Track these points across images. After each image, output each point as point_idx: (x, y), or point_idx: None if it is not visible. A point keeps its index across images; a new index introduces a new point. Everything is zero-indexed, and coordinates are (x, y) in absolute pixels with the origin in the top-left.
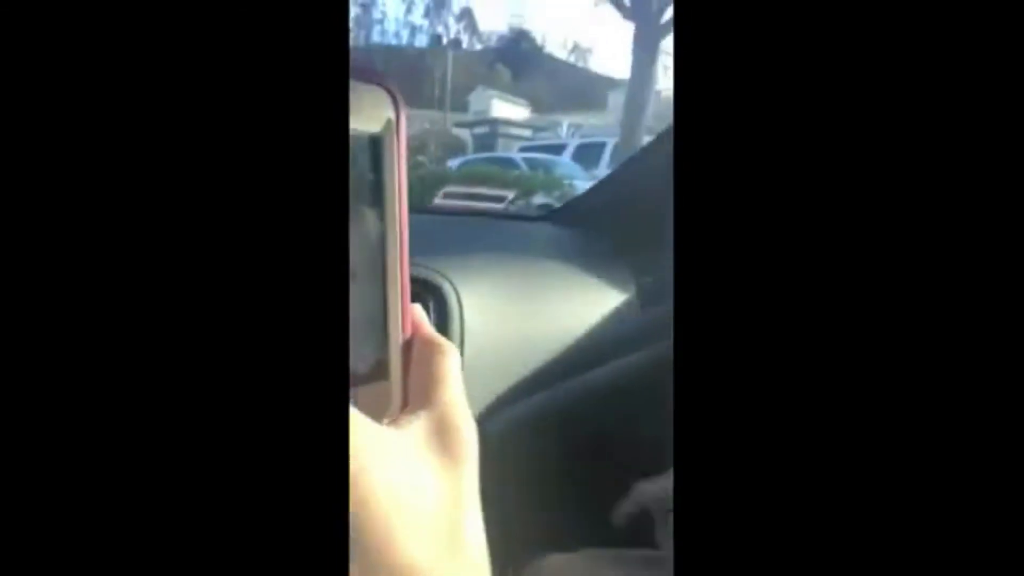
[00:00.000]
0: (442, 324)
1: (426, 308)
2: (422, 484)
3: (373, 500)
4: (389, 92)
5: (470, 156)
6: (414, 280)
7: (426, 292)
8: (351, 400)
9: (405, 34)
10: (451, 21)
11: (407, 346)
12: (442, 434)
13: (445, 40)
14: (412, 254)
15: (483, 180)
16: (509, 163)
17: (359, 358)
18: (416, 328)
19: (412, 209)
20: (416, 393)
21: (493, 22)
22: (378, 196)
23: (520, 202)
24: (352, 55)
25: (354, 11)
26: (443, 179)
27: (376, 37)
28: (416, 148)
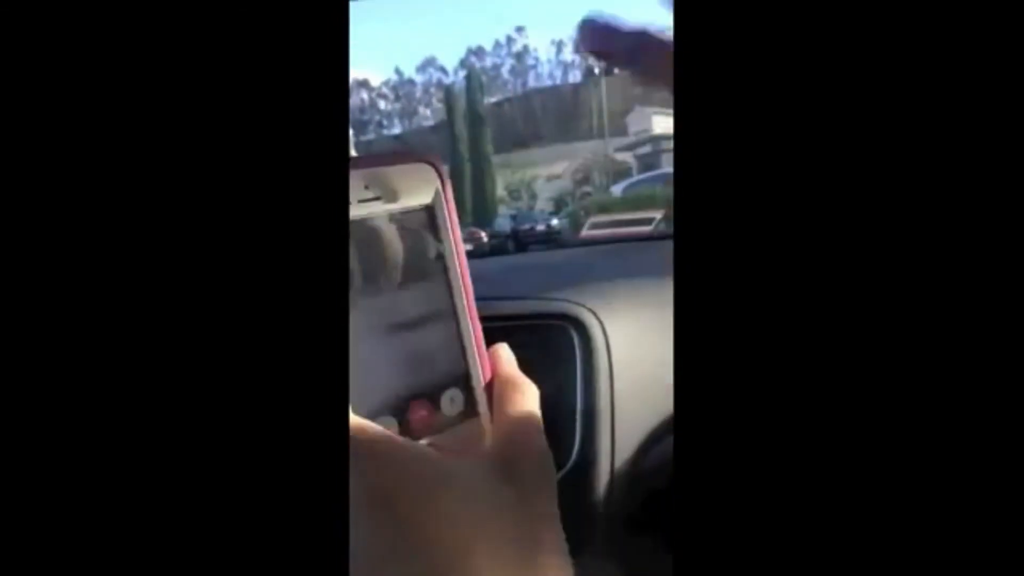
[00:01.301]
0: (587, 359)
1: (570, 343)
2: (500, 517)
3: (452, 536)
4: (432, 165)
5: (634, 178)
6: (556, 316)
7: (569, 326)
8: (438, 441)
9: (559, 74)
10: None
11: (490, 385)
12: (518, 467)
13: (597, 70)
14: (559, 288)
15: (647, 201)
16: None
17: (447, 402)
18: (498, 366)
19: (567, 244)
20: (495, 428)
21: None
22: (439, 257)
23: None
24: (394, 144)
25: (509, 63)
26: (606, 205)
27: (532, 82)
28: (581, 180)
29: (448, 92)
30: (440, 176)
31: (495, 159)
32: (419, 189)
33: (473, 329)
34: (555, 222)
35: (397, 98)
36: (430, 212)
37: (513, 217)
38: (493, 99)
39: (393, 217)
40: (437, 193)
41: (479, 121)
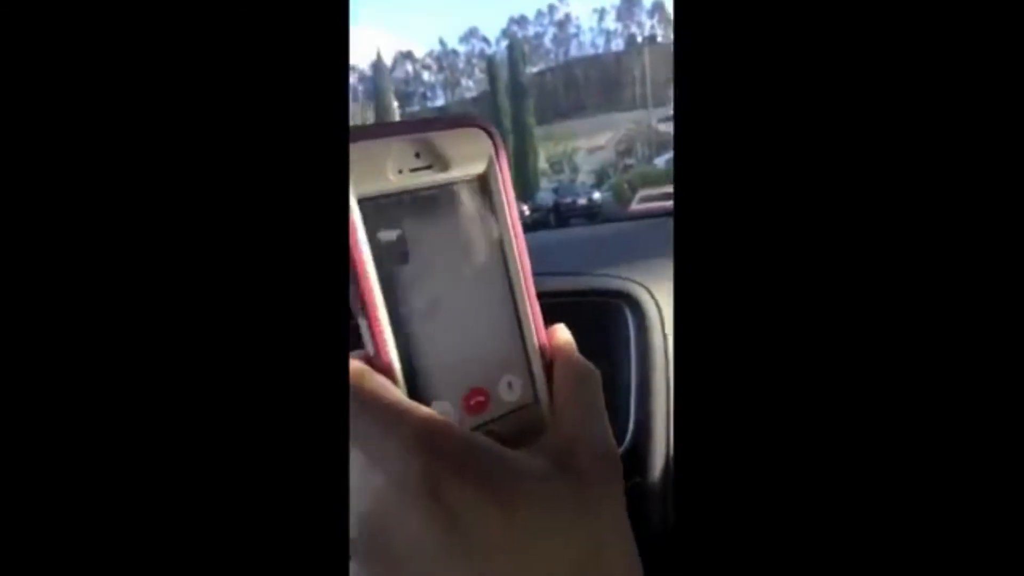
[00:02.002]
0: (642, 337)
1: (624, 321)
2: (561, 514)
3: (512, 534)
4: (486, 131)
5: None
6: (609, 292)
7: (623, 303)
8: (494, 429)
9: (601, 42)
10: (644, 18)
11: (550, 369)
12: (580, 460)
13: (640, 39)
14: (610, 264)
15: None
16: None
17: (504, 388)
18: (558, 350)
19: (614, 218)
20: (555, 418)
21: None
22: (494, 230)
23: None
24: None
25: (551, 32)
26: (650, 178)
27: (574, 51)
28: (624, 151)
29: (490, 62)
30: (494, 143)
31: (537, 131)
32: (472, 157)
33: (531, 310)
34: (597, 195)
35: (440, 69)
36: (484, 182)
37: (555, 190)
38: (535, 69)
39: (445, 188)
40: (491, 161)
41: (521, 91)
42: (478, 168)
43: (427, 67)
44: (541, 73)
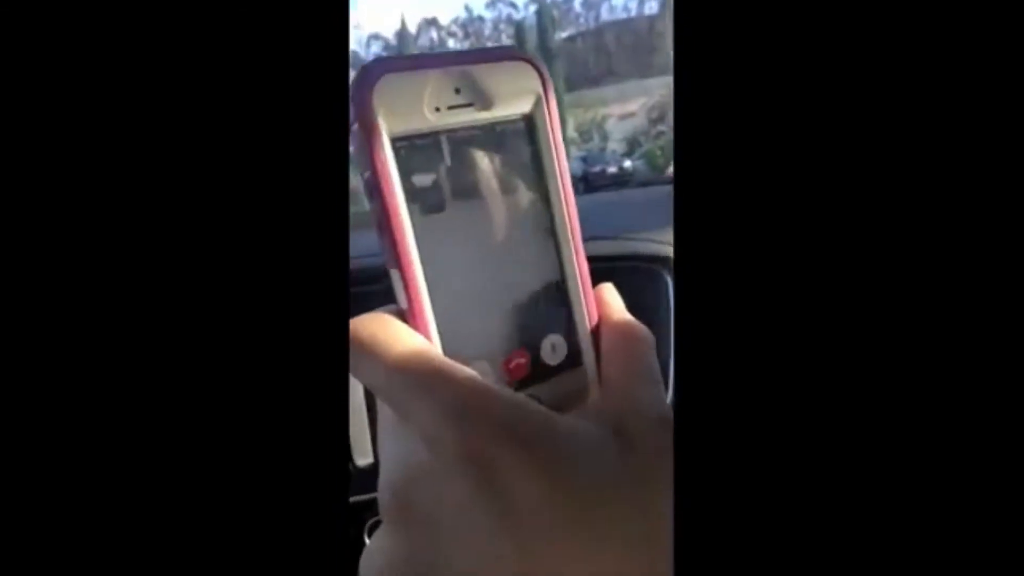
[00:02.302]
0: None
1: (663, 287)
2: (612, 483)
3: (561, 503)
4: (534, 66)
5: None
6: (648, 258)
7: (662, 267)
8: (535, 392)
9: (633, 6)
10: None
11: (596, 330)
12: (632, 427)
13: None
14: (650, 228)
15: None
16: None
17: (547, 350)
18: (605, 310)
19: (651, 182)
20: (605, 381)
21: None
22: (540, 178)
23: None
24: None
25: None
26: None
27: (605, 15)
28: (656, 118)
29: (519, 28)
30: (543, 79)
31: (566, 98)
32: (518, 94)
33: (578, 266)
34: (628, 164)
35: (467, 35)
36: (530, 123)
37: (583, 159)
38: (565, 34)
39: (487, 128)
40: (539, 100)
41: (550, 58)
42: (524, 107)
43: (452, 34)
44: (571, 38)
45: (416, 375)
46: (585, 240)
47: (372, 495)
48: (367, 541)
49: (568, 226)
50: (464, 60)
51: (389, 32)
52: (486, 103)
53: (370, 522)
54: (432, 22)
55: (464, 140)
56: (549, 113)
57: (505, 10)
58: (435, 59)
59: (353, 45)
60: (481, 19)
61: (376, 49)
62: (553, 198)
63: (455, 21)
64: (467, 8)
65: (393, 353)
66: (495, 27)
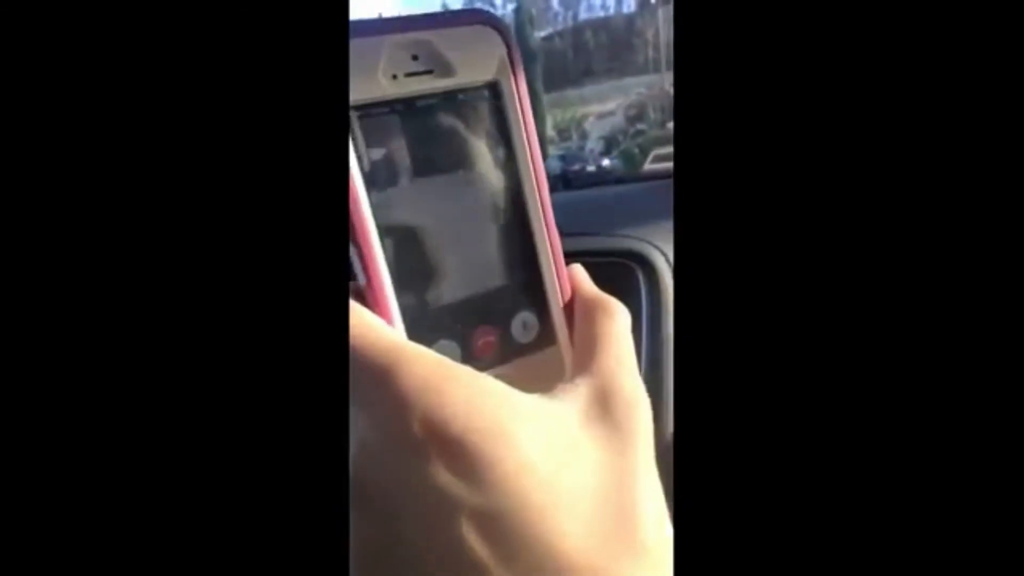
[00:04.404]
0: (654, 299)
1: (635, 282)
2: (585, 464)
3: (529, 484)
4: (498, 29)
5: None
6: (621, 253)
7: (634, 264)
8: (506, 372)
9: (612, 4)
10: None
11: (569, 308)
12: (606, 405)
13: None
14: (623, 226)
15: None
16: None
17: (518, 327)
18: (578, 288)
19: (628, 179)
20: (578, 359)
21: None
22: (507, 147)
23: None
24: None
25: None
26: (661, 142)
27: (584, 14)
28: (634, 117)
29: None
30: (507, 44)
31: (545, 97)
32: (481, 60)
33: (549, 240)
34: (606, 162)
35: None
36: (495, 90)
37: (562, 158)
38: (543, 33)
39: (448, 96)
40: (503, 64)
41: (529, 57)
42: (487, 74)
43: None
44: (549, 38)
45: (371, 360)
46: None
47: None
48: None
49: (537, 196)
50: (422, 25)
51: None
52: (446, 70)
53: None
54: None
55: (424, 109)
56: (515, 79)
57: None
58: (390, 23)
59: None
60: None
61: None
62: (521, 168)
63: None
64: (444, 5)
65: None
66: None
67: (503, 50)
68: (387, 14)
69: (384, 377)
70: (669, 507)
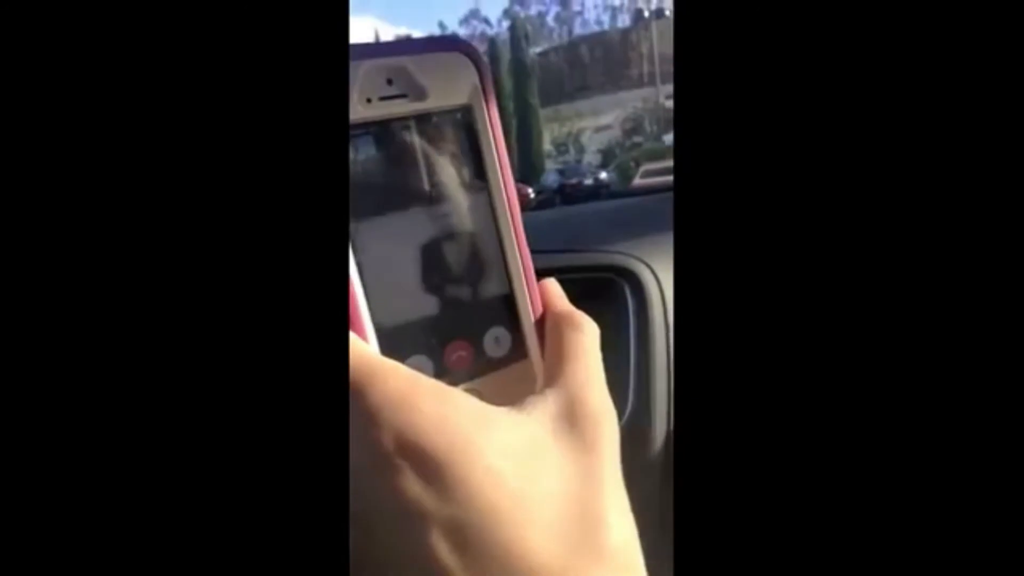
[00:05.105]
0: (641, 313)
1: (622, 297)
2: (552, 475)
3: (497, 494)
4: (469, 56)
5: None
6: (608, 268)
7: (621, 279)
8: (478, 386)
9: (606, 19)
10: None
11: (541, 322)
12: (573, 417)
13: (647, 13)
14: (611, 241)
15: None
16: None
17: (491, 342)
18: (549, 302)
19: (618, 195)
20: (547, 372)
21: None
22: (479, 169)
23: None
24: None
25: (554, 10)
26: (656, 155)
27: (579, 29)
28: (631, 130)
29: (492, 44)
30: (479, 70)
31: (542, 112)
32: (454, 85)
33: (520, 257)
34: (603, 175)
35: None
36: (467, 113)
37: (560, 172)
38: (539, 49)
39: (422, 119)
40: (475, 90)
41: (525, 73)
42: (460, 98)
43: None
44: (544, 53)
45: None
46: (543, 252)
47: None
48: None
49: (508, 215)
50: (396, 51)
51: None
52: (420, 94)
53: None
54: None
55: (398, 131)
56: (487, 104)
57: (479, 26)
58: (367, 49)
59: None
60: (455, 36)
61: None
62: (493, 188)
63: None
64: (441, 24)
65: None
66: None
67: (475, 77)
68: (384, 37)
69: (357, 391)
70: (667, 511)
